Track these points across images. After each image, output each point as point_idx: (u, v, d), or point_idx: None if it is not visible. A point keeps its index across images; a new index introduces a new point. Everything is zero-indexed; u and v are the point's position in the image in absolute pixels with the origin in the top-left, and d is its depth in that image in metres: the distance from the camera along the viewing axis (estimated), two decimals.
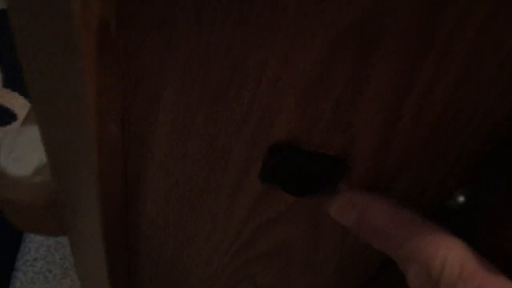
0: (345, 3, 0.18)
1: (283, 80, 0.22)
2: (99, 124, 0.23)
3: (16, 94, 0.98)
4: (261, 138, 0.25)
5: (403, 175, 0.26)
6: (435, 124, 0.22)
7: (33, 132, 0.27)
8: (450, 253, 0.21)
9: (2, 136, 0.85)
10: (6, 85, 0.99)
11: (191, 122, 0.25)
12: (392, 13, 0.18)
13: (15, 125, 0.88)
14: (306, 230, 0.32)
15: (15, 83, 1.00)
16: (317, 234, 0.32)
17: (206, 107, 0.24)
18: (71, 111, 0.21)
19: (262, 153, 0.26)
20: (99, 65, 0.20)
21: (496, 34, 0.18)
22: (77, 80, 0.19)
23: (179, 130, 0.25)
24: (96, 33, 0.18)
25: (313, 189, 0.27)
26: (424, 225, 0.23)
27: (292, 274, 0.37)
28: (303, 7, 0.19)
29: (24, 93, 0.96)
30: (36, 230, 0.29)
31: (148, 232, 0.34)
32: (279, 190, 0.28)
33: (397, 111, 0.22)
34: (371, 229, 0.25)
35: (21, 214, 0.27)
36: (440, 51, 0.19)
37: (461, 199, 0.26)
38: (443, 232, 0.22)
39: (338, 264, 0.35)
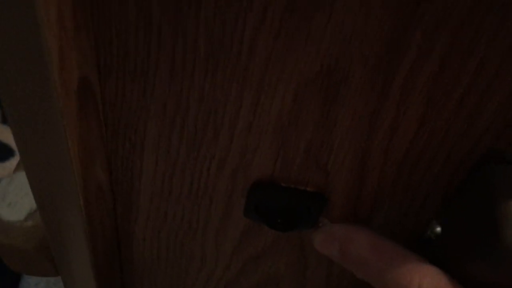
0: (314, 51, 0.19)
1: (256, 124, 0.23)
2: (84, 172, 0.24)
3: None
4: (242, 175, 0.26)
5: (380, 208, 0.27)
6: (403, 161, 0.24)
7: (25, 178, 0.29)
8: (425, 280, 0.22)
9: (0, 173, 0.87)
10: (4, 120, 1.00)
11: (174, 162, 0.26)
12: (355, 60, 0.20)
13: (13, 160, 0.89)
14: (292, 262, 0.33)
15: None
16: (304, 266, 0.33)
17: (186, 148, 0.25)
18: (57, 161, 0.22)
19: (244, 189, 0.27)
20: (80, 117, 0.21)
21: (449, 79, 0.20)
22: (60, 133, 0.20)
23: (163, 170, 0.27)
24: (76, 91, 0.20)
25: (295, 223, 0.28)
26: (401, 254, 0.24)
27: None
28: (273, 56, 0.20)
29: None
30: (32, 272, 0.30)
31: (141, 269, 0.35)
32: (263, 225, 0.29)
33: (366, 149, 0.23)
34: (353, 259, 0.26)
35: (14, 257, 0.28)
36: (398, 94, 0.21)
37: (437, 229, 0.27)
38: (419, 260, 0.23)
39: None
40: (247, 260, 0.33)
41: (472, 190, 0.23)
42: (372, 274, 0.25)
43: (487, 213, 0.21)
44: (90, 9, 0.19)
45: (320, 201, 0.26)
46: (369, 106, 0.21)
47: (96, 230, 0.27)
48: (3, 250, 0.27)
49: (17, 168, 0.28)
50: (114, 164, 0.26)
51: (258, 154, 0.25)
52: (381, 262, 0.24)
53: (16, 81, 0.17)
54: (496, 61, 0.19)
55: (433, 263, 0.24)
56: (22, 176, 0.28)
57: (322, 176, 0.25)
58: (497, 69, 0.19)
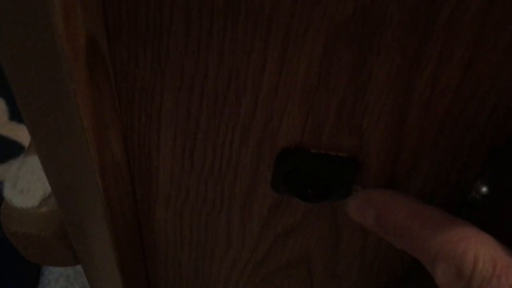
0: None
1: (283, 84, 0.21)
2: (99, 147, 0.22)
3: (23, 127, 0.98)
4: (268, 145, 0.24)
5: (419, 170, 0.25)
6: (445, 114, 0.21)
7: (36, 162, 0.27)
8: (481, 249, 0.20)
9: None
10: (13, 117, 0.99)
11: (194, 135, 0.24)
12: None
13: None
14: (324, 237, 0.31)
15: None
16: (336, 240, 0.31)
17: (207, 118, 0.23)
18: (70, 137, 0.20)
19: (271, 161, 0.25)
20: (91, 85, 0.20)
21: (496, 17, 0.18)
22: (71, 103, 0.18)
23: (182, 145, 0.25)
24: (85, 51, 0.18)
25: (327, 193, 0.26)
26: (448, 220, 0.21)
27: (315, 284, 0.36)
28: (299, 2, 0.18)
29: None
30: (50, 261, 0.28)
31: (164, 255, 0.33)
32: (292, 198, 0.27)
33: (404, 104, 0.21)
34: (392, 228, 0.23)
35: (32, 246, 0.27)
36: (442, 36, 0.18)
37: (484, 189, 0.24)
38: (470, 227, 0.21)
39: (361, 270, 0.34)
40: (275, 239, 0.31)
41: None
42: (416, 244, 0.22)
43: None
44: None
45: (353, 167, 0.24)
46: (408, 53, 0.19)
47: (115, 212, 0.25)
48: (19, 239, 0.26)
49: (27, 153, 0.27)
50: (130, 139, 0.24)
51: (285, 119, 0.23)
52: (426, 231, 0.22)
53: (20, 39, 0.15)
54: None
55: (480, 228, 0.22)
56: (33, 160, 0.26)
57: (355, 139, 0.23)
58: None
